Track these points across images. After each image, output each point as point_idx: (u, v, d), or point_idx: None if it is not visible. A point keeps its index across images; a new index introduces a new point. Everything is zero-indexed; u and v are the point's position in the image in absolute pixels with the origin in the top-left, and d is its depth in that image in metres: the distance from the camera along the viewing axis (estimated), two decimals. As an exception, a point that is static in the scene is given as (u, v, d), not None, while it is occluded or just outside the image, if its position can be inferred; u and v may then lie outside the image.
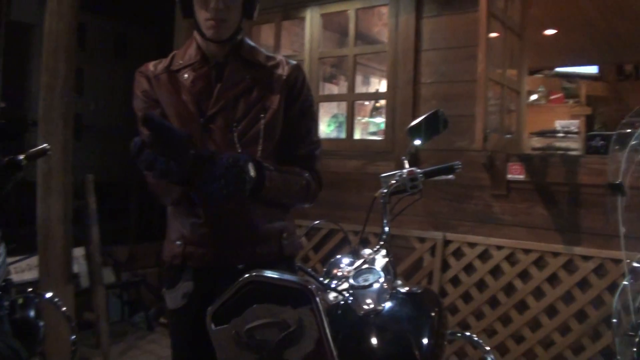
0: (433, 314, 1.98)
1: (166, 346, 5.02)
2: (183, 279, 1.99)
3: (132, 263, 6.04)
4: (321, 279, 2.08)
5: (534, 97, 7.53)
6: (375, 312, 1.91)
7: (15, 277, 4.20)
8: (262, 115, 1.95)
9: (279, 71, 2.02)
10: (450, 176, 2.40)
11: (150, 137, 1.51)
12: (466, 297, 4.16)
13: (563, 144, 4.64)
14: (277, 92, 1.99)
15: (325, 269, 2.23)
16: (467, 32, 4.21)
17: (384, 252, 2.18)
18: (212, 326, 1.60)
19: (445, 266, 4.25)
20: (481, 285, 4.10)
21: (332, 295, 2.09)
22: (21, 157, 2.73)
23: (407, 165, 2.36)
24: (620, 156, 3.16)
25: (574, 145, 4.74)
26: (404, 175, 2.30)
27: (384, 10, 5.03)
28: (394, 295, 2.00)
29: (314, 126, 2.12)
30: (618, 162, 3.16)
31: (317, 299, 1.53)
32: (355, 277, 2.02)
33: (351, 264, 2.15)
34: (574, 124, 5.30)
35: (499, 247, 4.02)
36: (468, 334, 2.75)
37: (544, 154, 4.03)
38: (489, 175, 4.10)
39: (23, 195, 4.96)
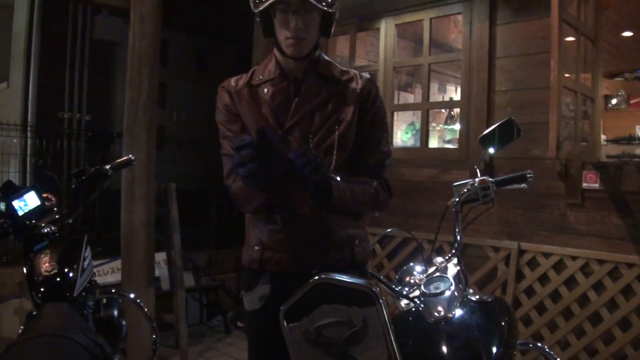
0: (503, 323, 1.99)
1: (243, 349, 5.17)
2: (260, 282, 2.08)
3: (211, 268, 6.19)
4: (393, 286, 2.12)
5: (614, 101, 7.33)
6: (446, 320, 1.94)
7: (99, 280, 4.39)
8: (337, 127, 2.02)
9: (353, 85, 2.10)
10: (523, 185, 2.39)
11: (259, 149, 1.58)
12: (540, 308, 4.09)
13: None
14: (351, 105, 2.07)
15: (397, 277, 2.27)
16: (540, 39, 4.17)
17: (455, 260, 2.20)
18: (285, 324, 1.68)
19: (519, 276, 4.20)
20: (555, 296, 4.03)
21: (403, 303, 2.13)
22: (107, 167, 2.88)
23: (479, 174, 2.37)
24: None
25: (653, 153, 4.61)
26: (476, 184, 2.31)
27: (459, 17, 5.02)
28: (464, 303, 2.03)
29: (385, 137, 2.17)
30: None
31: (381, 302, 1.59)
32: (426, 285, 2.06)
33: (423, 271, 2.18)
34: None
35: (574, 258, 3.95)
36: (540, 345, 2.72)
37: (619, 162, 3.94)
38: (563, 183, 4.05)
39: (108, 202, 5.17)
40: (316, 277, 1.64)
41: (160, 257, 5.34)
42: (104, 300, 2.80)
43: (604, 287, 3.81)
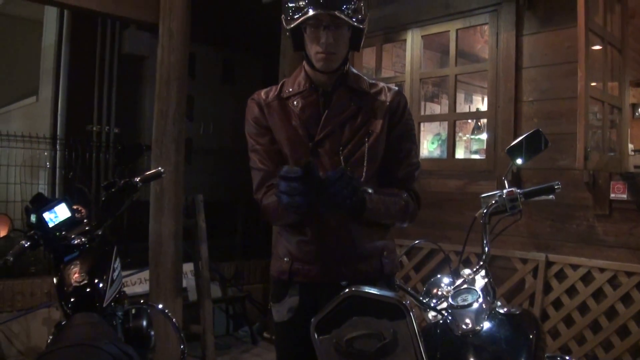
0: (531, 336, 1.98)
1: (269, 360, 5.17)
2: (289, 294, 2.09)
3: (238, 279, 6.23)
4: (421, 298, 2.12)
5: (642, 110, 7.23)
6: (473, 332, 1.94)
7: (128, 290, 4.43)
8: (366, 139, 2.04)
9: (382, 97, 2.12)
10: (551, 196, 2.38)
11: (306, 183, 1.60)
12: (568, 321, 4.04)
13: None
14: (380, 117, 2.08)
15: (424, 288, 2.27)
16: (567, 48, 4.15)
17: (483, 272, 2.19)
18: (316, 336, 1.68)
19: (547, 288, 4.16)
20: (583, 308, 3.98)
21: (431, 314, 2.13)
22: (137, 179, 2.91)
23: (507, 186, 2.37)
24: None
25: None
26: (504, 196, 2.31)
27: (485, 28, 5.01)
28: (492, 315, 2.02)
29: (414, 148, 2.18)
30: None
31: (411, 314, 1.59)
32: (454, 297, 2.06)
33: (451, 283, 2.18)
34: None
35: (602, 269, 3.89)
36: (568, 358, 2.69)
37: (647, 172, 3.89)
38: (591, 194, 4.00)
39: (137, 213, 5.22)
40: (347, 290, 1.65)
41: (188, 267, 5.37)
42: (133, 311, 2.82)
43: (632, 299, 3.76)
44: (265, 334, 5.83)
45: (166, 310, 3.31)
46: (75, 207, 2.73)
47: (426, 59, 5.72)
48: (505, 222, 2.39)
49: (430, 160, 5.74)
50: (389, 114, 2.09)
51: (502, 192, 2.32)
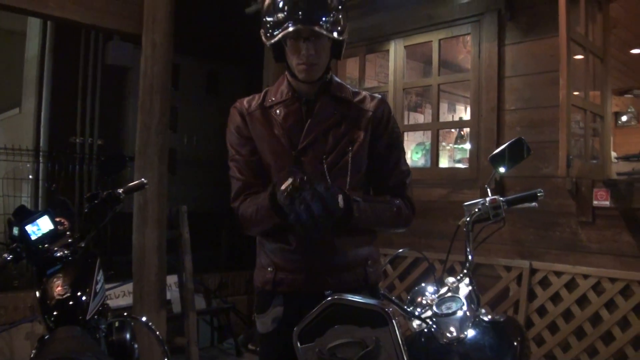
0: (516, 343, 1.98)
1: (254, 372, 5.14)
2: (273, 304, 2.08)
3: (222, 290, 6.19)
4: (405, 306, 2.12)
5: (624, 118, 7.31)
6: (458, 341, 1.94)
7: (111, 303, 4.39)
8: (350, 148, 2.04)
9: (366, 106, 2.12)
10: (534, 204, 2.39)
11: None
12: (552, 328, 4.06)
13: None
14: (364, 126, 2.09)
15: (409, 297, 2.27)
16: (549, 58, 4.19)
17: (467, 280, 2.20)
18: (298, 344, 1.68)
19: (531, 295, 4.18)
20: (567, 315, 4.00)
21: (415, 323, 2.13)
22: (120, 191, 2.89)
23: (490, 194, 2.38)
24: None
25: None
26: (487, 204, 2.31)
27: (467, 38, 5.06)
28: (477, 323, 2.02)
29: (402, 155, 2.20)
30: None
31: (394, 322, 1.59)
32: (438, 305, 2.06)
33: (435, 292, 2.18)
34: (667, 145, 5.11)
35: (585, 276, 3.92)
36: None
37: (630, 179, 3.93)
38: (574, 202, 4.03)
39: (120, 225, 5.19)
40: (329, 298, 1.65)
41: (172, 279, 5.34)
42: (116, 324, 2.80)
43: (616, 305, 3.79)
44: (249, 346, 5.80)
45: (150, 323, 3.28)
46: (58, 219, 2.70)
47: (409, 69, 5.74)
48: (489, 230, 2.39)
49: (414, 170, 5.72)
50: (373, 123, 2.10)
51: (485, 200, 2.32)
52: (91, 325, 2.49)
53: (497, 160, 2.44)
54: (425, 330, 2.06)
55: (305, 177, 1.69)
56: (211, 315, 6.05)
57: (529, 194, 2.35)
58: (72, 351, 2.02)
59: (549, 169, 4.13)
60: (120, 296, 5.31)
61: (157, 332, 3.27)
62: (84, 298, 2.43)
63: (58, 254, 2.55)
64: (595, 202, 3.92)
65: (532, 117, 4.33)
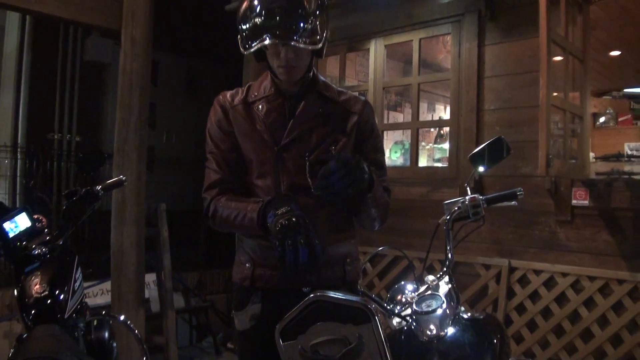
0: (495, 340, 1.99)
1: (233, 370, 5.13)
2: (251, 301, 2.07)
3: (201, 289, 6.17)
4: (385, 304, 2.12)
5: (602, 119, 7.38)
6: (438, 338, 1.94)
7: (89, 301, 4.35)
8: (333, 147, 2.04)
9: (351, 108, 2.12)
10: (513, 203, 2.40)
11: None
12: (531, 325, 4.10)
13: (628, 168, 4.54)
14: (349, 127, 2.09)
15: (388, 295, 2.27)
16: (528, 58, 4.22)
17: (447, 278, 2.20)
18: (280, 342, 1.67)
19: (510, 293, 4.21)
20: (546, 313, 4.05)
21: (395, 321, 2.13)
22: (98, 188, 2.87)
23: (469, 192, 2.39)
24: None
25: (641, 169, 4.64)
26: (467, 202, 2.32)
27: (447, 38, 5.08)
28: (456, 321, 2.03)
29: (384, 159, 2.24)
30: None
31: (377, 318, 1.59)
32: (418, 303, 2.06)
33: (414, 290, 2.18)
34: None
35: (564, 274, 3.97)
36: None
37: (608, 179, 3.97)
38: (553, 201, 4.07)
39: (98, 223, 5.14)
40: (312, 295, 1.65)
41: (150, 278, 5.31)
42: (95, 322, 2.77)
43: (594, 303, 3.83)
44: (228, 344, 5.78)
45: (128, 322, 3.25)
46: (36, 216, 2.68)
47: (389, 68, 5.76)
48: (468, 229, 2.40)
49: (394, 168, 5.77)
50: (358, 125, 2.10)
51: (465, 199, 2.33)
52: (69, 324, 2.46)
53: (477, 159, 2.45)
54: (405, 327, 2.06)
55: (304, 218, 1.70)
56: (190, 314, 6.03)
57: (509, 192, 2.36)
58: (51, 350, 2.00)
59: (528, 168, 4.16)
60: (98, 294, 5.27)
61: (136, 331, 3.25)
62: (62, 296, 2.41)
63: (36, 252, 2.52)
64: (574, 202, 3.95)
65: (511, 117, 4.36)
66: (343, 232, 2.11)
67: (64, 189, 6.22)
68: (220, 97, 2.16)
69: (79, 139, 7.01)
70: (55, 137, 6.83)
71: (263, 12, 1.87)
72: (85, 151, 4.02)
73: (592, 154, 4.58)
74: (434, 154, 6.94)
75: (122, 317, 3.25)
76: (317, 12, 1.93)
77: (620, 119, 7.38)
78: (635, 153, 6.06)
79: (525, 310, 4.13)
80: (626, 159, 4.70)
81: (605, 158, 4.80)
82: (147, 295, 5.13)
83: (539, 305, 4.05)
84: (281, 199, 1.85)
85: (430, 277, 2.19)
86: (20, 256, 2.52)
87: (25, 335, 2.32)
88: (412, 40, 5.06)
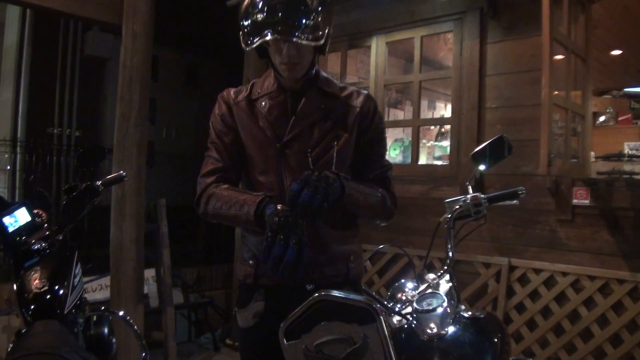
0: (496, 339, 1.99)
1: (232, 367, 5.13)
2: (254, 298, 2.07)
3: (200, 284, 6.16)
4: (385, 302, 2.12)
5: (602, 118, 7.37)
6: (438, 337, 1.94)
7: (88, 296, 4.35)
8: (335, 142, 2.04)
9: (353, 102, 2.12)
10: (515, 202, 2.40)
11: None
12: (531, 324, 4.10)
13: (629, 168, 4.53)
14: (351, 122, 2.08)
15: (389, 293, 2.27)
16: (530, 57, 4.21)
17: (447, 277, 2.20)
18: (284, 341, 1.66)
19: (510, 292, 4.21)
20: (546, 312, 4.04)
21: (395, 319, 2.13)
22: (99, 183, 2.87)
23: (471, 191, 2.38)
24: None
25: (643, 168, 4.63)
26: (468, 201, 2.31)
27: (449, 36, 5.06)
28: (457, 320, 2.02)
29: (384, 152, 2.21)
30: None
31: (382, 318, 1.58)
32: (418, 302, 2.05)
33: (415, 288, 2.18)
34: (643, 145, 5.16)
35: (564, 274, 3.96)
36: (532, 361, 2.73)
37: (609, 178, 3.96)
38: (554, 200, 4.06)
39: (97, 218, 5.14)
40: (316, 294, 1.64)
41: (149, 273, 5.29)
42: (94, 318, 2.77)
43: (594, 303, 3.83)
44: (227, 341, 5.77)
45: (127, 317, 3.25)
46: (35, 211, 2.67)
47: (390, 65, 5.74)
48: (469, 227, 2.40)
49: (394, 166, 5.77)
50: (360, 119, 2.10)
51: (467, 197, 2.32)
52: (69, 319, 2.46)
53: (479, 157, 2.44)
54: (405, 326, 2.05)
55: (302, 223, 1.68)
56: (189, 310, 6.01)
57: (511, 191, 2.36)
58: (50, 345, 2.00)
59: (528, 167, 4.15)
60: (97, 290, 5.26)
61: (135, 327, 3.25)
62: (61, 291, 2.40)
63: (36, 247, 2.51)
64: (574, 201, 3.94)
65: (512, 116, 4.35)
66: (346, 231, 2.10)
67: (64, 183, 6.23)
68: (224, 93, 2.15)
69: (79, 133, 7.01)
70: (55, 131, 6.83)
71: (265, 8, 1.86)
72: (86, 146, 4.00)
73: (592, 154, 4.57)
74: (434, 152, 6.94)
75: (121, 313, 3.24)
76: (320, 8, 1.91)
77: (620, 118, 7.37)
78: (635, 152, 6.05)
79: (525, 309, 4.12)
80: (627, 158, 4.69)
81: (606, 157, 4.79)
82: (146, 290, 5.12)
83: (539, 304, 4.05)
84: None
85: (431, 276, 2.19)
86: (19, 251, 2.51)
87: (24, 330, 2.32)
88: (413, 38, 5.04)
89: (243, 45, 1.96)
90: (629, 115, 7.38)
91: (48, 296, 2.36)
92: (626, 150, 6.35)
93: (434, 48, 6.30)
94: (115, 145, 4.53)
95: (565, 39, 3.88)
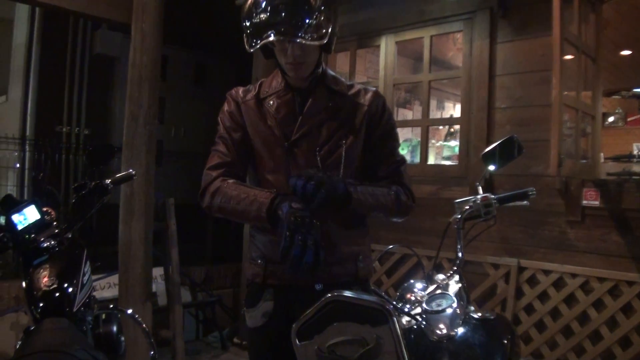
0: (505, 340, 1.98)
1: (239, 366, 5.13)
2: (263, 298, 2.06)
3: (208, 283, 6.16)
4: (394, 302, 2.11)
5: (611, 119, 7.34)
6: (448, 338, 1.94)
7: (97, 294, 4.36)
8: (344, 141, 2.03)
9: (360, 100, 2.11)
10: (525, 202, 2.39)
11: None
12: (540, 326, 4.08)
13: (639, 169, 4.50)
14: (359, 120, 2.08)
15: (398, 293, 2.26)
16: (541, 57, 4.19)
17: (457, 277, 2.19)
18: (297, 341, 1.66)
19: (519, 293, 4.19)
20: (555, 313, 4.03)
21: (405, 320, 2.12)
22: (108, 181, 2.86)
23: (481, 191, 2.37)
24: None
25: (651, 170, 4.59)
26: (478, 201, 2.31)
27: (458, 35, 5.04)
28: (466, 321, 2.02)
29: (397, 146, 2.20)
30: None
31: (394, 319, 1.58)
32: (428, 302, 2.05)
33: (424, 288, 2.17)
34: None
35: (574, 275, 3.94)
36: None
37: (619, 180, 3.94)
38: (564, 201, 4.05)
39: (106, 216, 5.14)
40: (329, 295, 1.63)
41: (157, 272, 5.30)
42: (103, 316, 2.76)
43: (604, 305, 3.81)
44: (235, 340, 5.77)
45: (136, 315, 3.25)
46: (44, 209, 2.67)
47: (400, 65, 5.74)
48: (479, 228, 2.39)
49: (403, 166, 5.76)
50: (368, 117, 2.09)
51: (477, 198, 2.32)
52: (78, 317, 2.45)
53: (489, 157, 2.44)
54: (415, 327, 2.05)
55: (318, 224, 1.69)
56: (197, 308, 6.01)
57: (521, 192, 2.35)
58: (59, 343, 1.99)
59: (538, 167, 4.13)
60: (105, 288, 5.27)
61: (143, 325, 3.25)
62: (70, 289, 2.40)
63: (45, 245, 2.51)
64: (584, 202, 3.93)
65: (522, 116, 4.34)
66: (356, 230, 2.10)
67: (73, 181, 6.24)
68: (233, 91, 2.16)
69: (88, 132, 7.00)
70: (64, 129, 6.83)
71: (268, 8, 1.85)
72: (95, 144, 4.01)
73: (601, 154, 4.54)
74: (442, 152, 6.92)
75: (129, 311, 3.24)
76: (323, 7, 1.90)
77: (629, 119, 7.33)
78: (640, 155, 6.02)
79: (534, 310, 4.11)
80: (637, 159, 4.66)
81: (616, 158, 4.76)
82: (154, 289, 5.14)
83: (548, 306, 4.03)
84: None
85: (440, 276, 2.18)
86: (28, 248, 2.51)
87: (32, 328, 2.31)
88: (423, 37, 5.03)
89: (247, 46, 1.95)
90: (638, 115, 7.34)
91: (57, 294, 2.35)
92: (635, 151, 6.33)
93: (443, 48, 6.28)
94: (125, 143, 4.54)
95: (576, 39, 3.86)
